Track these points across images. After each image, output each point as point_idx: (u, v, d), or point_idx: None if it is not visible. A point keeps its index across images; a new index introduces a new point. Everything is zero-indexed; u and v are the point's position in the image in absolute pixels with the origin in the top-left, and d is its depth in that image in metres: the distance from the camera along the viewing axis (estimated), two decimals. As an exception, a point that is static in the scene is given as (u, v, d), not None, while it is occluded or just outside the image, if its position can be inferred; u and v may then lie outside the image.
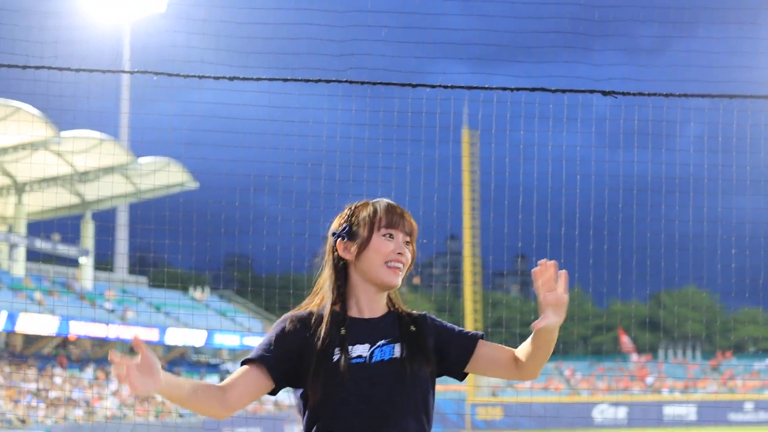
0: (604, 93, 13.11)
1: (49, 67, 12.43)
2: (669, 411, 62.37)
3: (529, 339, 4.06)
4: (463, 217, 57.59)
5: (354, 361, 3.94)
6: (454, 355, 4.13)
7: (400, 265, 4.06)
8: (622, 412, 62.63)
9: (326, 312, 4.04)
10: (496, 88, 13.47)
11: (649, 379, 71.23)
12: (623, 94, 13.19)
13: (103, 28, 51.30)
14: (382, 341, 4.02)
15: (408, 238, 4.09)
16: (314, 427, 3.96)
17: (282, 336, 4.03)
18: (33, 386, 44.23)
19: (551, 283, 3.93)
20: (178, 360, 59.42)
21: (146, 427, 42.36)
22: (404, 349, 4.01)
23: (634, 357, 76.09)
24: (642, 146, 17.35)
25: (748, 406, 62.97)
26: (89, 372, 50.27)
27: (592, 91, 13.32)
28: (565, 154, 17.34)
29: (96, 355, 53.80)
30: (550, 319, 3.91)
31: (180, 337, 54.60)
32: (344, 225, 4.11)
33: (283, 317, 4.12)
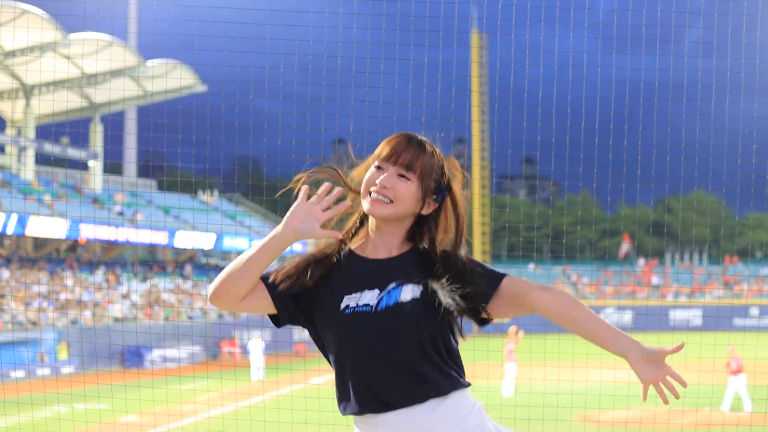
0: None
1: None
2: (674, 315, 62.84)
3: (595, 330, 4.03)
4: (473, 115, 57.36)
5: (360, 309, 3.75)
6: (474, 293, 3.81)
7: (380, 197, 3.75)
8: (627, 317, 63.09)
9: (336, 254, 3.90)
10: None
11: (655, 283, 71.61)
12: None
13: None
14: (393, 284, 3.77)
15: (404, 171, 3.76)
16: (336, 374, 3.84)
17: (296, 274, 3.85)
18: (44, 289, 44.61)
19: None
20: (187, 263, 59.79)
21: (156, 329, 42.79)
22: (414, 291, 3.76)
23: (641, 262, 76.38)
24: (650, 42, 17.27)
25: (754, 311, 63.36)
26: (99, 274, 50.65)
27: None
28: (572, 48, 17.27)
29: (106, 257, 54.17)
30: (644, 372, 3.72)
31: (189, 240, 54.88)
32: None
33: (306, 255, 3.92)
